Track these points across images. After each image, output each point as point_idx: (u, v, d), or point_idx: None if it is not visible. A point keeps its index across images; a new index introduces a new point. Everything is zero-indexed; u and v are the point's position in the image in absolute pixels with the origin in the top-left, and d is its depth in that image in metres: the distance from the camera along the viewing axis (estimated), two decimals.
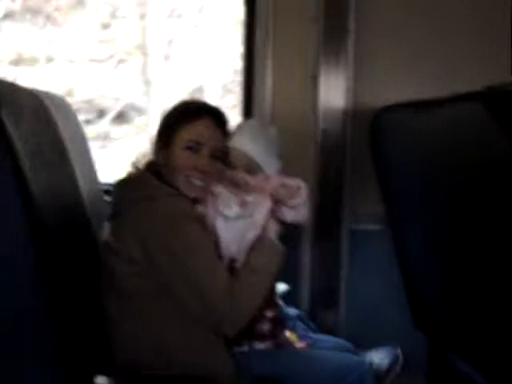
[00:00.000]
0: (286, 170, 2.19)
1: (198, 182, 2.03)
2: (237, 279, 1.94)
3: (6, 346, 1.80)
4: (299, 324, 2.35)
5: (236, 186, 2.06)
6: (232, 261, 2.01)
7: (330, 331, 2.57)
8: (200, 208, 2.05)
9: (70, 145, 2.12)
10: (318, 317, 2.74)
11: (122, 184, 2.06)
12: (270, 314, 2.09)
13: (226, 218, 2.03)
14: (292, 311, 2.40)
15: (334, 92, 2.78)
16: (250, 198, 2.04)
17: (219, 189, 2.05)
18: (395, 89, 2.70)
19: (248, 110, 2.91)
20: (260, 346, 2.08)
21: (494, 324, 1.84)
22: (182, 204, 1.99)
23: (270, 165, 2.12)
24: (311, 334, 2.29)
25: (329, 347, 2.22)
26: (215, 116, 2.09)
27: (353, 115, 2.79)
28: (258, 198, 2.05)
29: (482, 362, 2.07)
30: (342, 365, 2.05)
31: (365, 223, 2.84)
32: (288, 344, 2.14)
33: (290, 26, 2.82)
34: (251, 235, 2.02)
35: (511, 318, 1.74)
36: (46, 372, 1.81)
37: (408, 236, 2.35)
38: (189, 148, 2.03)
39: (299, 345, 2.18)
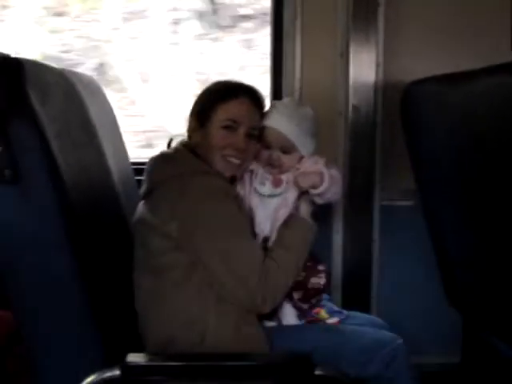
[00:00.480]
0: (317, 147, 2.18)
1: (235, 161, 2.04)
2: (271, 257, 1.95)
3: (43, 326, 1.82)
4: (330, 303, 2.34)
5: (271, 165, 2.08)
6: (265, 239, 2.03)
7: (362, 308, 2.56)
8: (237, 187, 2.07)
9: (99, 124, 2.11)
10: (350, 293, 2.73)
11: (159, 160, 2.06)
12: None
13: (261, 195, 2.06)
14: None
15: (364, 68, 2.76)
16: (284, 178, 2.07)
17: (255, 167, 2.08)
18: (426, 64, 2.66)
19: (277, 88, 2.90)
20: (291, 320, 2.08)
21: None
22: (219, 182, 1.99)
23: (304, 145, 2.11)
24: (342, 311, 2.28)
25: (361, 323, 2.20)
26: (252, 95, 2.09)
27: (383, 91, 2.77)
28: (291, 178, 2.07)
29: None
30: (375, 340, 2.03)
31: (396, 199, 2.82)
32: (318, 320, 2.14)
33: (318, 2, 2.80)
34: (283, 213, 2.04)
35: None
36: (82, 350, 1.82)
37: (440, 209, 2.32)
38: (226, 127, 2.04)
39: (330, 321, 2.17)
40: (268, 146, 2.09)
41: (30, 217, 1.72)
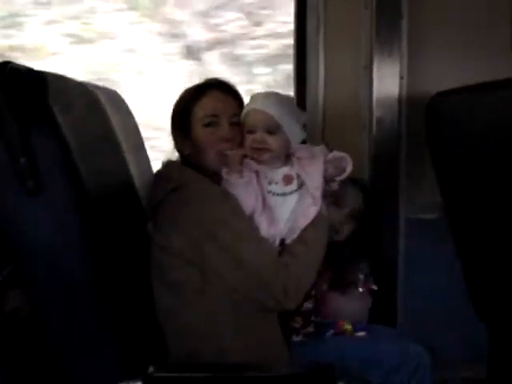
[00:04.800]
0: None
1: (230, 152, 2.01)
2: (290, 252, 1.94)
3: (63, 338, 1.82)
4: None
5: (256, 149, 2.01)
6: (282, 241, 1.99)
7: (389, 320, 2.53)
8: (239, 189, 1.99)
9: (121, 135, 2.12)
10: (376, 305, 2.71)
11: (155, 180, 2.07)
12: None
13: (274, 195, 2.00)
14: None
15: (387, 80, 2.75)
16: (293, 173, 2.02)
17: (259, 167, 2.01)
18: (450, 75, 2.66)
19: (301, 100, 2.89)
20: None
21: None
22: (215, 186, 1.98)
23: (290, 126, 2.02)
24: (368, 324, 2.26)
25: (386, 335, 2.19)
26: (221, 86, 2.10)
27: (407, 103, 2.76)
28: (308, 170, 2.02)
29: None
30: (399, 352, 2.03)
31: (421, 212, 2.80)
32: (344, 332, 2.13)
33: (342, 13, 2.81)
34: (312, 211, 2.00)
35: None
36: (103, 362, 1.82)
37: (466, 222, 2.30)
38: (208, 124, 2.04)
39: (358, 334, 2.16)
40: (251, 131, 2.02)
41: (53, 227, 1.73)
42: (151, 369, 1.71)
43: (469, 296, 2.36)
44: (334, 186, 2.05)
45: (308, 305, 2.14)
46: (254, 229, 1.94)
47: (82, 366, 1.83)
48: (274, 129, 2.01)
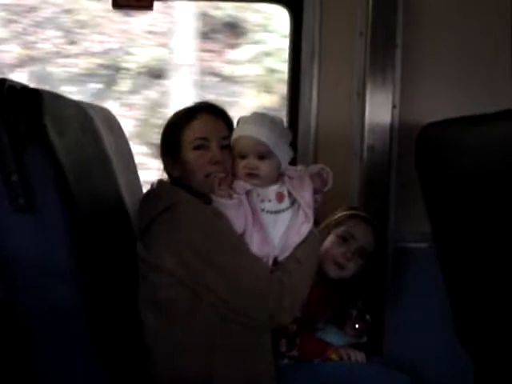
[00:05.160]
0: (332, 185, 2.17)
1: (220, 175, 2.03)
2: (283, 269, 1.96)
3: (51, 360, 1.81)
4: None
5: (249, 175, 2.03)
6: (275, 260, 2.01)
7: (374, 348, 2.53)
8: (230, 211, 2.00)
9: (114, 157, 2.12)
10: None
11: (146, 199, 2.06)
12: None
13: (267, 213, 2.02)
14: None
15: (380, 108, 2.75)
16: (284, 192, 2.04)
17: (249, 187, 2.03)
18: (442, 106, 2.67)
19: (293, 125, 2.90)
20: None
21: None
22: (205, 206, 1.99)
23: (280, 149, 2.06)
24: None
25: (374, 363, 2.18)
26: (211, 110, 2.11)
27: (399, 132, 2.76)
28: (299, 188, 2.05)
29: None
30: (385, 380, 2.02)
31: (411, 241, 2.79)
32: (331, 359, 2.12)
33: (336, 40, 2.82)
34: (305, 228, 2.02)
35: None
36: (85, 380, 1.81)
37: (454, 252, 2.30)
38: (198, 147, 2.04)
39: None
40: (243, 156, 2.04)
41: (43, 245, 1.73)
42: None
43: (456, 328, 2.36)
44: (319, 198, 2.08)
45: (293, 326, 2.13)
46: (247, 247, 1.96)
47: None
48: (264, 154, 2.03)
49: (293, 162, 2.56)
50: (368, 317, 2.27)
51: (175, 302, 1.93)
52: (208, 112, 2.10)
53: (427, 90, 2.80)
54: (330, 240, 2.18)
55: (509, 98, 2.51)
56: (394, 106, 2.75)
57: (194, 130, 2.06)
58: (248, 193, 2.02)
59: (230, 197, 1.98)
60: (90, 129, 2.02)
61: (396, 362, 2.29)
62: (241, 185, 2.02)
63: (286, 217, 2.03)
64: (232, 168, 2.05)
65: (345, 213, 2.25)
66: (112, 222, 2.04)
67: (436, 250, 2.41)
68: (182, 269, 1.90)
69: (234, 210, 1.97)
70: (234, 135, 2.07)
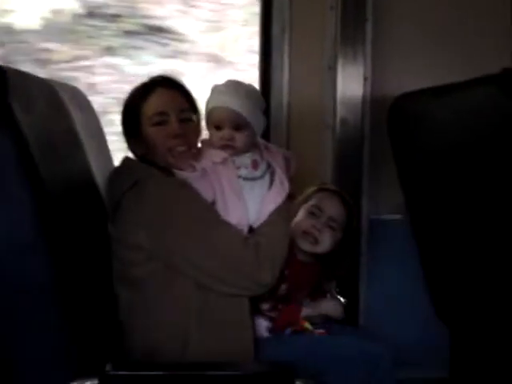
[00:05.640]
0: (304, 159, 2.17)
1: (181, 148, 2.01)
2: (257, 234, 1.97)
3: (16, 334, 1.80)
4: None
5: (225, 146, 2.03)
6: (251, 228, 2.01)
7: (350, 319, 2.54)
8: (205, 183, 1.99)
9: (83, 133, 2.11)
10: None
11: (113, 177, 2.05)
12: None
13: (244, 179, 2.02)
14: None
15: (352, 81, 2.76)
16: (258, 158, 2.05)
17: (225, 155, 2.02)
18: (413, 78, 2.67)
19: (266, 99, 2.88)
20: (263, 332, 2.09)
21: None
22: (171, 178, 1.98)
23: (257, 119, 2.06)
24: (329, 323, 2.26)
25: (347, 334, 2.19)
26: (167, 83, 2.08)
27: (371, 104, 2.77)
28: (275, 156, 2.07)
29: (505, 353, 2.04)
30: (360, 351, 2.02)
31: (384, 213, 2.81)
32: (305, 330, 2.13)
33: (307, 14, 2.82)
34: (281, 196, 2.03)
35: None
36: (58, 359, 1.80)
37: (427, 222, 2.32)
38: (157, 123, 2.02)
39: (318, 331, 2.16)
40: (219, 127, 2.04)
41: (10, 224, 1.71)
42: (108, 366, 1.70)
43: (430, 298, 2.38)
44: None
45: (283, 290, 2.12)
46: (219, 214, 1.96)
47: (34, 363, 1.81)
48: (241, 125, 2.02)
49: (266, 136, 2.58)
50: (343, 300, 2.27)
51: (149, 277, 1.92)
52: (164, 86, 2.07)
53: (398, 62, 2.81)
54: (299, 215, 2.17)
55: (479, 67, 2.52)
56: (365, 79, 2.76)
57: (151, 106, 2.03)
58: (224, 160, 2.02)
59: (194, 169, 1.98)
60: (58, 105, 1.99)
61: (371, 333, 2.31)
62: (218, 153, 2.02)
63: (261, 184, 2.03)
64: (193, 138, 2.06)
65: (313, 188, 2.25)
66: (82, 198, 2.02)
67: (409, 221, 2.43)
68: (154, 242, 1.89)
69: (200, 182, 1.97)
70: (209, 105, 2.06)
